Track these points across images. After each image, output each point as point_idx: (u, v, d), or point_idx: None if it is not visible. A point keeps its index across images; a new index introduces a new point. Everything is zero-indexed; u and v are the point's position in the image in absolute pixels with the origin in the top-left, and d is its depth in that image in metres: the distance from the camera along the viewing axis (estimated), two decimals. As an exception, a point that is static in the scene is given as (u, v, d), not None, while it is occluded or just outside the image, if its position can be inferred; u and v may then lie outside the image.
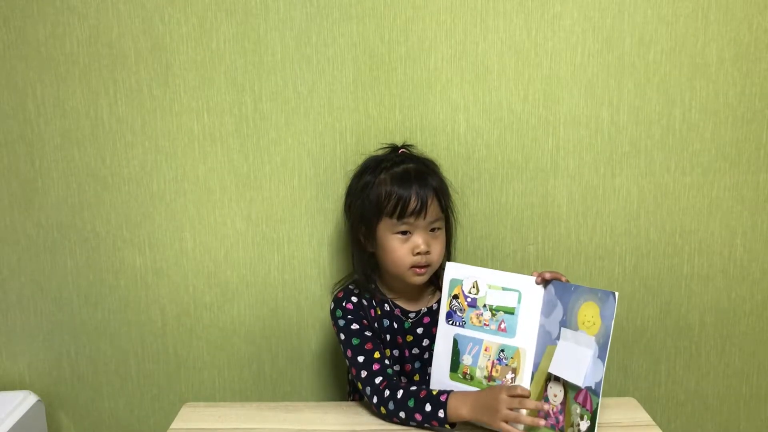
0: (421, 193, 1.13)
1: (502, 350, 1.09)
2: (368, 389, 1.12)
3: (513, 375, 1.08)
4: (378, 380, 1.12)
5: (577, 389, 0.99)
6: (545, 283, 1.09)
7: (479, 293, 1.12)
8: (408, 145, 1.27)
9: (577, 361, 0.99)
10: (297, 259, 1.38)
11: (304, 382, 1.44)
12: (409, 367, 1.24)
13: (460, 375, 1.13)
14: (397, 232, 1.15)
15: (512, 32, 1.28)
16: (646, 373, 1.43)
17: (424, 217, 1.14)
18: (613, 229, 1.36)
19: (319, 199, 1.35)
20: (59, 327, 1.41)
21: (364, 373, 1.13)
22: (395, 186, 1.14)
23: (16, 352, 1.42)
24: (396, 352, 1.23)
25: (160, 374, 1.43)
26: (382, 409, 1.10)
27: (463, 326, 1.13)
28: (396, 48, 1.29)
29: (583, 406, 0.98)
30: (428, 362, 1.23)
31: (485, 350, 1.11)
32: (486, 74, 1.30)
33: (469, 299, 1.13)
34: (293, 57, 1.29)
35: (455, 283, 1.14)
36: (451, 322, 1.15)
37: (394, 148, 1.26)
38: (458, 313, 1.14)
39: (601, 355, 0.97)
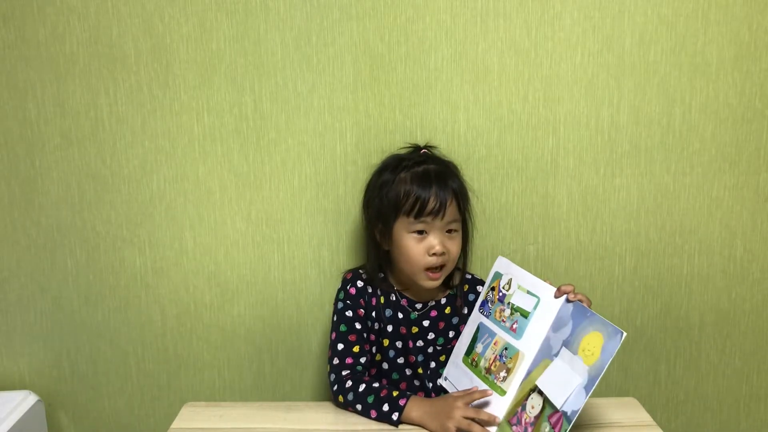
0: (441, 194, 1.14)
1: (506, 348, 1.11)
2: (333, 376, 1.18)
3: (506, 375, 1.09)
4: (345, 372, 1.18)
5: (553, 409, 0.99)
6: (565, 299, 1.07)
7: (510, 290, 1.15)
8: (430, 146, 1.27)
9: (565, 383, 0.99)
10: (297, 259, 1.38)
11: (304, 382, 1.44)
12: (413, 358, 1.24)
13: (470, 360, 1.16)
14: (414, 231, 1.15)
15: (512, 32, 1.28)
16: (646, 373, 1.43)
17: (442, 218, 1.14)
18: (613, 229, 1.36)
19: (319, 199, 1.35)
20: (59, 327, 1.41)
21: (336, 360, 1.19)
22: (415, 185, 1.15)
23: (16, 352, 1.42)
24: (399, 344, 1.23)
25: (160, 374, 1.43)
26: (340, 398, 1.15)
27: (488, 317, 1.17)
28: (396, 48, 1.29)
29: (553, 427, 0.98)
30: (433, 356, 1.24)
31: (494, 344, 1.13)
32: (486, 74, 1.30)
33: (500, 294, 1.16)
34: (293, 57, 1.29)
35: (497, 276, 1.18)
36: (481, 311, 1.18)
37: (416, 148, 1.26)
38: (489, 304, 1.17)
39: (587, 387, 0.96)
